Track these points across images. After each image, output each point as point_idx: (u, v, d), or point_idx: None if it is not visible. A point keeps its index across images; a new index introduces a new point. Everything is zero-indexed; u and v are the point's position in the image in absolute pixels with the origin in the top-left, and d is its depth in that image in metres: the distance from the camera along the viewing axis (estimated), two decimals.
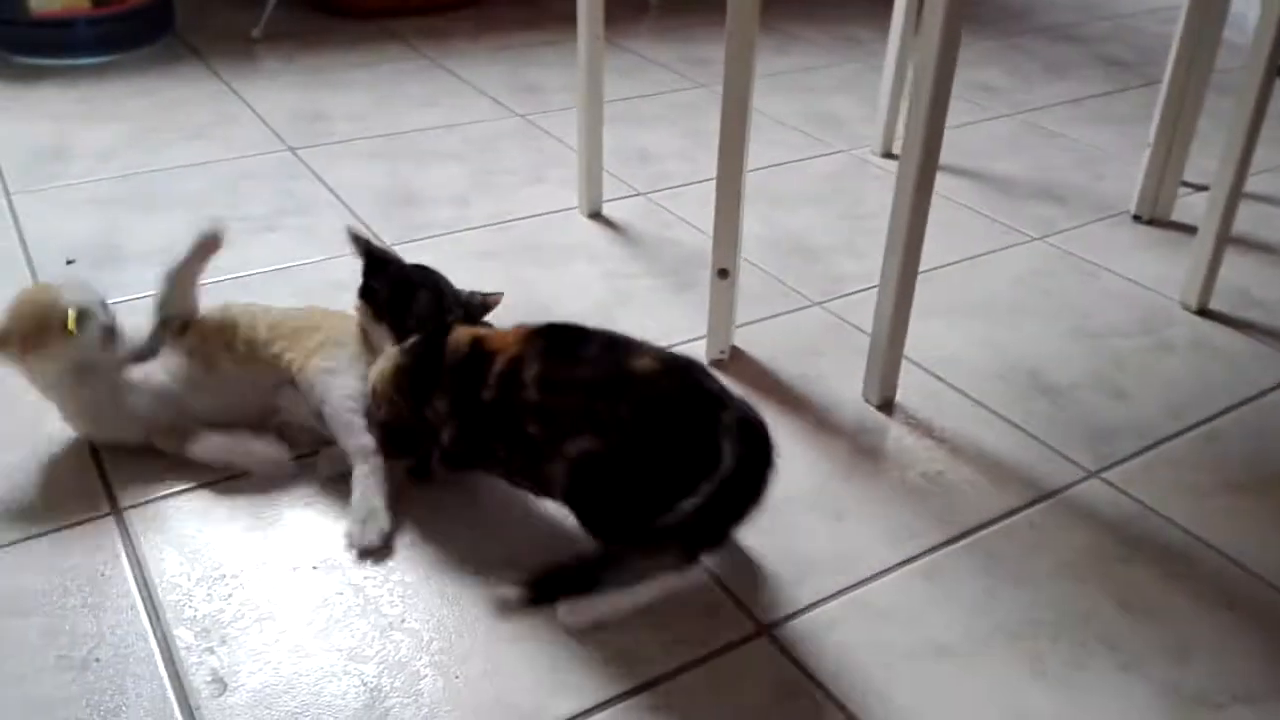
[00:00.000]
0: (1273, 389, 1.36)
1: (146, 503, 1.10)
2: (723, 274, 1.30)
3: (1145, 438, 1.25)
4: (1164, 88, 1.71)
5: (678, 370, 1.01)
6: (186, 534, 1.06)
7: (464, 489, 1.12)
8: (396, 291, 1.21)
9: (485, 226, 1.68)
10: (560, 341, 1.03)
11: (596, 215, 1.72)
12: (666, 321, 1.43)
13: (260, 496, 1.11)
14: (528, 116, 2.12)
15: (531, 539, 1.06)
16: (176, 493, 1.11)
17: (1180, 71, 1.68)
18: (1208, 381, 1.36)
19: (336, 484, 1.11)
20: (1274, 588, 1.05)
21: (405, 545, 1.05)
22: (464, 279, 1.52)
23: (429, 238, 1.63)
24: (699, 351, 1.37)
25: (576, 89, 1.65)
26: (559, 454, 0.97)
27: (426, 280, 1.24)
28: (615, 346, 1.02)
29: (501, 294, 1.28)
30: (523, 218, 1.71)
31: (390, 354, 1.12)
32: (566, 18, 2.68)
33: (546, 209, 1.74)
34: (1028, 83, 2.41)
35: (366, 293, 1.22)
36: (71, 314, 1.10)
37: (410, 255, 1.57)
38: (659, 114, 2.15)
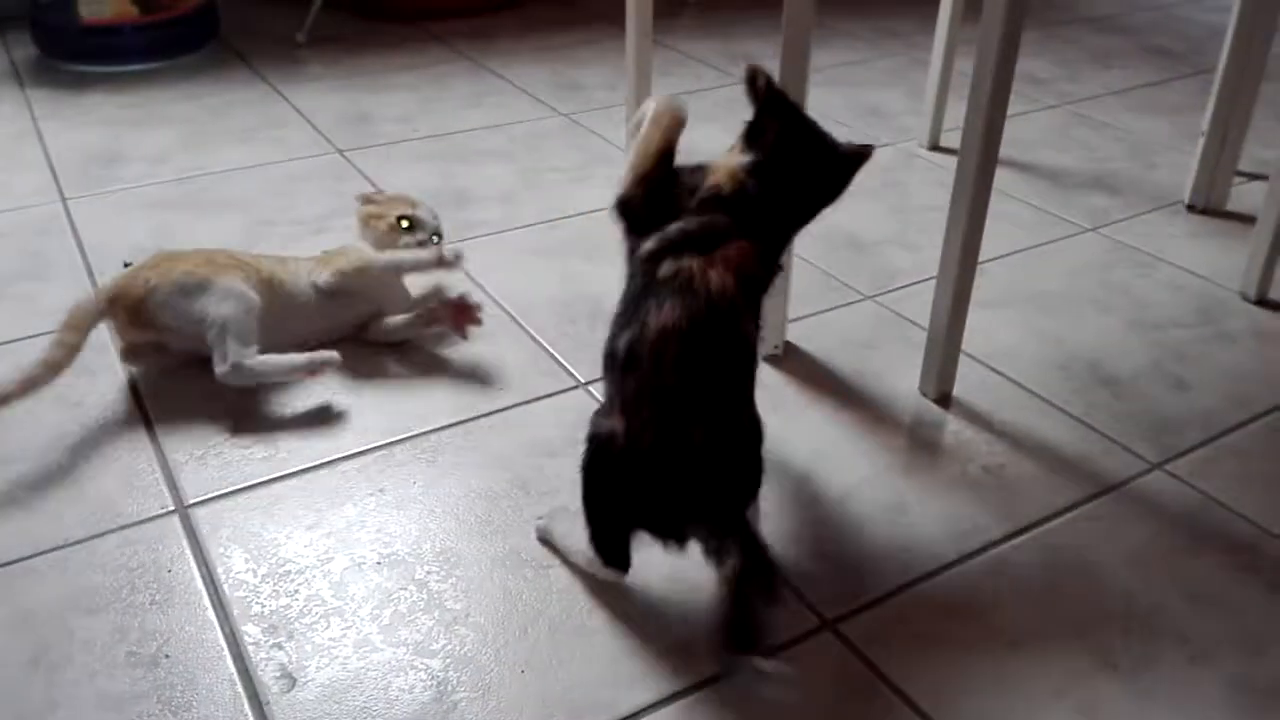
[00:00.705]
0: None
1: (210, 499, 1.11)
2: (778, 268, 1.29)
3: (1209, 429, 1.23)
4: (1219, 74, 1.68)
5: None
6: (251, 530, 1.07)
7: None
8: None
9: (535, 225, 1.69)
10: None
11: None
12: None
13: (323, 492, 1.12)
14: (571, 115, 2.12)
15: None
16: (240, 489, 1.13)
17: (1235, 58, 1.65)
18: (1271, 371, 1.34)
19: (401, 467, 1.12)
20: None
21: (464, 540, 1.06)
22: (517, 277, 1.53)
23: (482, 235, 1.64)
24: None
25: (626, 87, 1.65)
26: None
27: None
28: None
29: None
30: (572, 215, 1.72)
31: None
32: (604, 17, 2.68)
33: (594, 206, 1.74)
34: (1074, 73, 2.38)
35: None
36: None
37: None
38: (704, 111, 2.12)
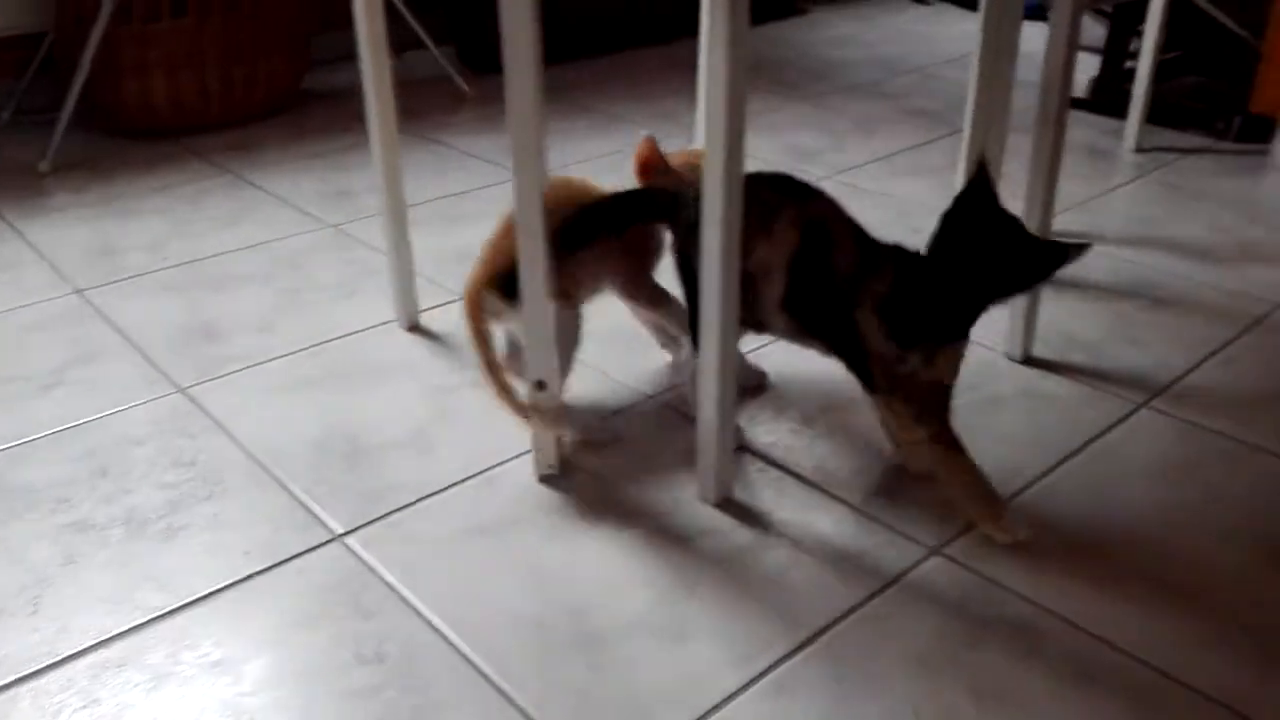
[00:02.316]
0: (1104, 433, 1.36)
1: (360, 528, 1.20)
2: (540, 386, 1.23)
3: None
4: (965, 135, 1.73)
5: None
6: (409, 553, 1.17)
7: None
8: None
9: (292, 354, 1.58)
10: None
11: (415, 327, 1.64)
12: (491, 439, 1.35)
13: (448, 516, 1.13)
14: (340, 226, 2.03)
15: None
16: (381, 516, 1.23)
17: (980, 116, 1.71)
18: (1040, 432, 1.36)
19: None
20: (1125, 653, 1.02)
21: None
22: (268, 418, 1.42)
23: (228, 374, 1.52)
24: (526, 469, 1.29)
25: (378, 193, 1.57)
26: None
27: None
28: None
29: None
30: (334, 339, 1.61)
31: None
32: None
33: (361, 326, 1.65)
34: (841, 142, 2.45)
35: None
36: None
37: (208, 395, 1.46)
38: (478, 210, 2.09)
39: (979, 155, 1.21)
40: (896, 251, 1.19)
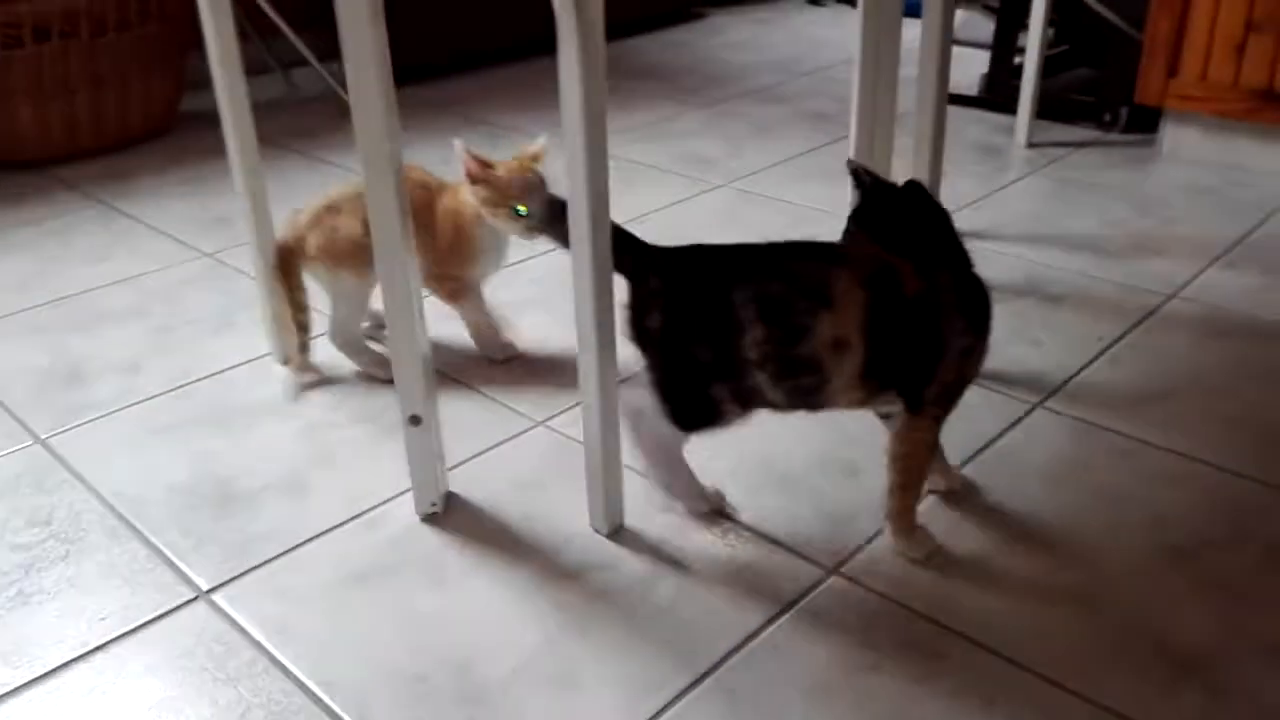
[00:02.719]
0: (1000, 435, 1.34)
1: (227, 583, 1.12)
2: (415, 420, 1.16)
3: (879, 516, 1.19)
4: (852, 137, 1.71)
5: None
6: (280, 608, 1.10)
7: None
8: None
9: (161, 395, 1.49)
10: None
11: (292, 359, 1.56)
12: (371, 478, 1.29)
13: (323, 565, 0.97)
14: (216, 254, 1.93)
15: None
16: (251, 568, 1.15)
17: (865, 118, 1.69)
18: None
19: None
20: (1028, 670, 0.99)
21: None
22: (133, 466, 1.33)
23: (91, 421, 1.42)
24: (407, 509, 1.23)
25: (243, 219, 1.49)
26: None
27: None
28: None
29: None
30: (206, 376, 1.53)
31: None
32: (266, 139, 2.51)
33: (235, 361, 1.56)
34: (739, 149, 2.42)
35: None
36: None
37: (69, 445, 1.37)
38: None
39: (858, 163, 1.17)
40: (934, 253, 1.11)
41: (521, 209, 1.38)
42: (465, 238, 1.46)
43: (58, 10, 2.28)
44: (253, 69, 2.95)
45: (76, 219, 2.12)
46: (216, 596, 1.11)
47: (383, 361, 1.49)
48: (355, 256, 1.43)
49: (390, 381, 1.42)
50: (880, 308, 1.04)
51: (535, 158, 1.42)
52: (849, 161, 1.15)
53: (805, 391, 1.07)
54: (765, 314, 1.03)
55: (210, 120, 1.53)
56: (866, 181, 1.18)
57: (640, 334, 1.09)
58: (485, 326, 1.55)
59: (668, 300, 1.07)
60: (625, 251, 1.09)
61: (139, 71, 2.44)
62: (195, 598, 1.11)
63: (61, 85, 2.34)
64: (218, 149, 1.49)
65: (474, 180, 1.40)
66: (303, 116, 2.68)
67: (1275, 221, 1.93)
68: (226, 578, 1.14)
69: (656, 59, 3.21)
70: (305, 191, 2.23)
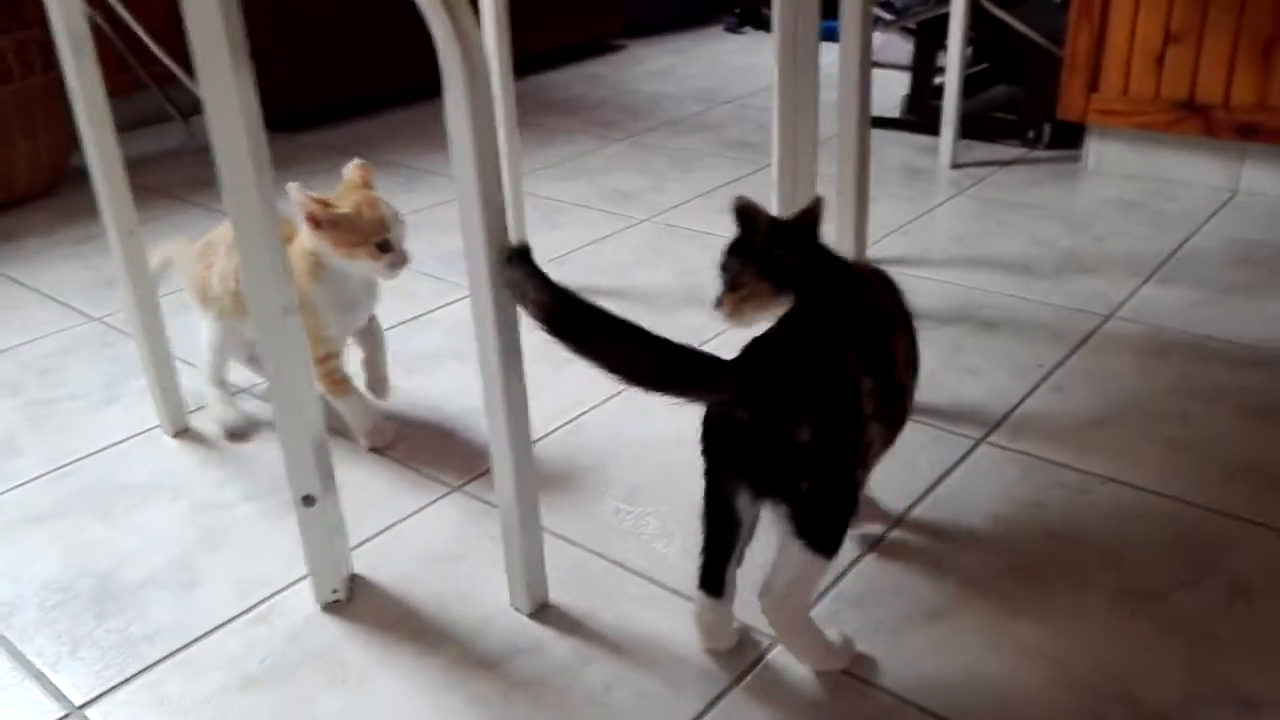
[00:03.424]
0: (945, 476, 1.27)
1: (103, 695, 1.01)
2: (308, 501, 1.05)
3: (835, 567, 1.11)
4: (774, 166, 1.65)
5: None
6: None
7: None
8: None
9: (39, 478, 1.35)
10: None
11: (184, 432, 1.44)
12: (266, 561, 1.17)
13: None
14: (105, 319, 1.80)
15: None
16: (131, 676, 1.05)
17: (787, 145, 1.63)
18: (880, 481, 1.26)
19: None
20: None
21: None
22: (5, 561, 1.20)
23: None
24: (306, 597, 1.11)
25: (119, 285, 1.38)
26: None
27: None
28: None
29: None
30: (88, 455, 1.40)
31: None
32: (163, 191, 2.38)
33: (121, 436, 1.43)
34: (660, 182, 2.35)
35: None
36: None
37: None
38: None
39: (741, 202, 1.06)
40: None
41: (389, 239, 1.25)
42: (304, 299, 1.25)
43: None
44: (152, 118, 2.84)
45: None
46: (91, 711, 0.99)
47: (230, 418, 1.43)
48: (222, 300, 1.35)
49: (235, 438, 1.39)
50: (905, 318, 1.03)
51: (366, 183, 1.30)
52: (737, 198, 1.06)
53: (897, 422, 1.01)
54: (867, 361, 0.94)
55: None
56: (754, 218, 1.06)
57: (786, 461, 0.89)
58: (359, 412, 1.37)
59: (807, 405, 0.89)
60: (717, 377, 0.90)
61: (24, 127, 2.30)
62: (67, 715, 0.98)
63: None
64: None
65: (319, 224, 1.24)
66: (204, 166, 2.54)
67: (1204, 234, 1.91)
68: (104, 688, 1.01)
69: (574, 92, 3.14)
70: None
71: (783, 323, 0.98)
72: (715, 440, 0.93)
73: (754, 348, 0.95)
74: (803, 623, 0.96)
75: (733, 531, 0.95)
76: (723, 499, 0.93)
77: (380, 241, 1.24)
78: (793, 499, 0.89)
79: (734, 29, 3.83)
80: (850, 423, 0.91)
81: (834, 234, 1.37)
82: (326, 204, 1.24)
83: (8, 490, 1.33)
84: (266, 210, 0.93)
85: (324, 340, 1.32)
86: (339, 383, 1.35)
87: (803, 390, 0.89)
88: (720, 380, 0.90)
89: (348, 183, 1.29)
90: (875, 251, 1.81)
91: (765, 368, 0.92)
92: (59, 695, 1.01)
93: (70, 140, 2.44)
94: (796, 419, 0.88)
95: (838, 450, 0.90)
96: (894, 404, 0.98)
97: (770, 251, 1.04)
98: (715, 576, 0.97)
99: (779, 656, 1.01)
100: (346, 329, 1.36)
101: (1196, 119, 2.02)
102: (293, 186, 1.23)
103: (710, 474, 0.94)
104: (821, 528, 0.91)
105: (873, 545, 1.15)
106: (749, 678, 0.99)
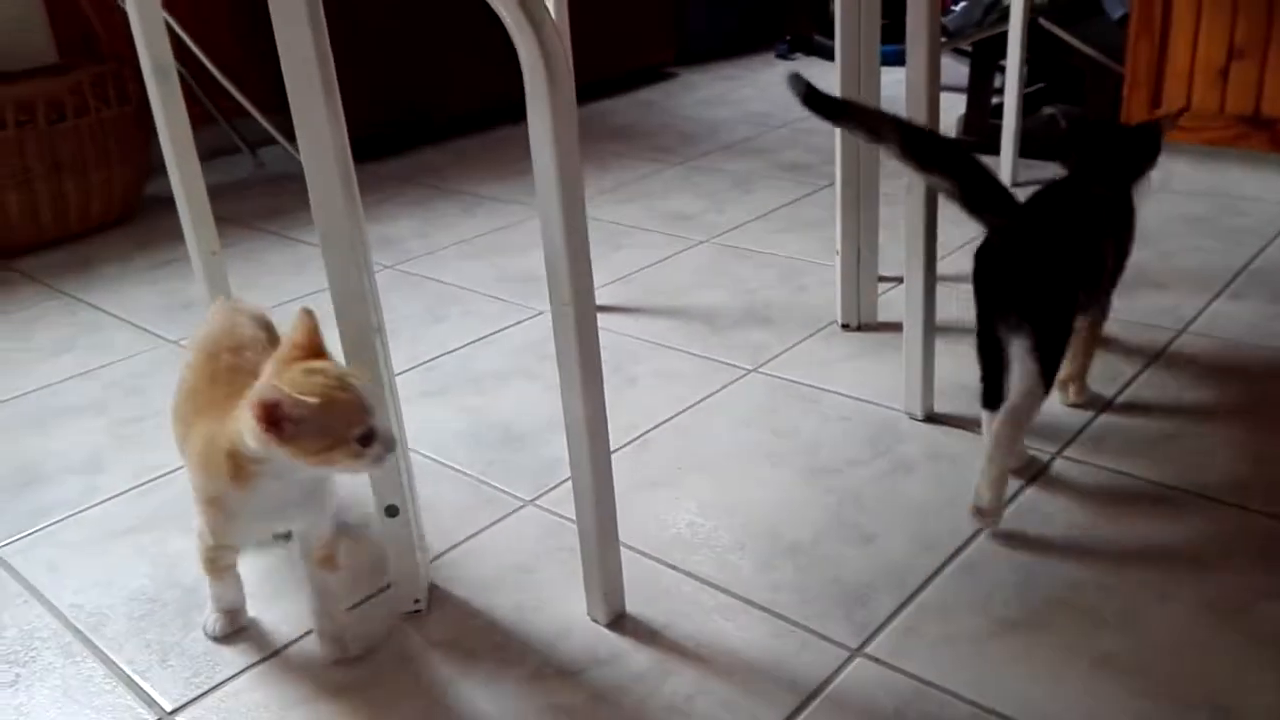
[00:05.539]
0: (1018, 492, 1.26)
1: (191, 702, 1.02)
2: (391, 511, 1.07)
3: (903, 587, 1.11)
4: (838, 187, 1.66)
5: None
6: None
7: None
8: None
9: (125, 493, 1.39)
10: None
11: None
12: (348, 573, 1.19)
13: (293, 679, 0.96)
14: (181, 342, 1.85)
15: None
16: (218, 684, 1.05)
17: (850, 166, 1.64)
18: (952, 498, 1.25)
19: None
20: None
21: None
22: (93, 572, 1.23)
23: (46, 527, 1.33)
24: (388, 609, 1.13)
25: (201, 304, 1.42)
26: None
27: None
28: None
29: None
30: (172, 471, 1.43)
31: None
32: (232, 219, 2.44)
33: None
34: (719, 204, 2.36)
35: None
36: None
37: (21, 556, 1.27)
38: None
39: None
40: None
41: (373, 426, 0.92)
42: (216, 500, 0.99)
43: (12, 98, 2.22)
44: (222, 149, 2.93)
45: (38, 312, 2.03)
46: (181, 717, 1.01)
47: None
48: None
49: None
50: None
51: (314, 345, 0.96)
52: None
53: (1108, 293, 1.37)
54: (1110, 232, 1.29)
55: (174, 204, 1.46)
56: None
57: (1036, 298, 1.15)
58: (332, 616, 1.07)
59: (1060, 255, 1.19)
60: (1008, 210, 1.20)
61: (99, 158, 2.38)
62: None
63: (20, 174, 2.27)
64: (180, 232, 1.42)
65: (283, 431, 0.88)
66: (273, 196, 2.62)
67: (1276, 248, 1.88)
68: (192, 695, 1.04)
69: (629, 119, 3.17)
70: (279, 271, 2.16)
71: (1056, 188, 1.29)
72: (987, 281, 1.19)
73: (1033, 201, 1.26)
74: (1021, 429, 1.19)
75: (1001, 356, 1.17)
76: (991, 331, 1.18)
77: (362, 434, 0.91)
78: (1037, 329, 1.13)
79: (785, 55, 3.85)
80: (1088, 280, 1.23)
81: (903, 250, 1.37)
82: (298, 401, 0.88)
83: (94, 505, 1.37)
84: (355, 234, 0.96)
85: (222, 539, 1.03)
86: (217, 569, 1.08)
87: (1059, 243, 1.18)
88: (1008, 213, 1.19)
89: (290, 347, 0.95)
90: (942, 268, 1.80)
91: (1037, 220, 1.22)
92: (150, 701, 1.03)
93: (145, 170, 2.52)
94: (1052, 264, 1.16)
95: (1070, 299, 1.18)
96: (1115, 275, 1.33)
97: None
98: (994, 394, 1.20)
99: (861, 666, 1.00)
100: (263, 535, 1.13)
101: (1263, 134, 1.99)
102: (305, 313, 0.96)
103: (982, 312, 1.20)
104: (1050, 357, 1.15)
105: (942, 565, 1.15)
106: (830, 687, 0.98)
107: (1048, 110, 1.36)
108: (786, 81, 1.24)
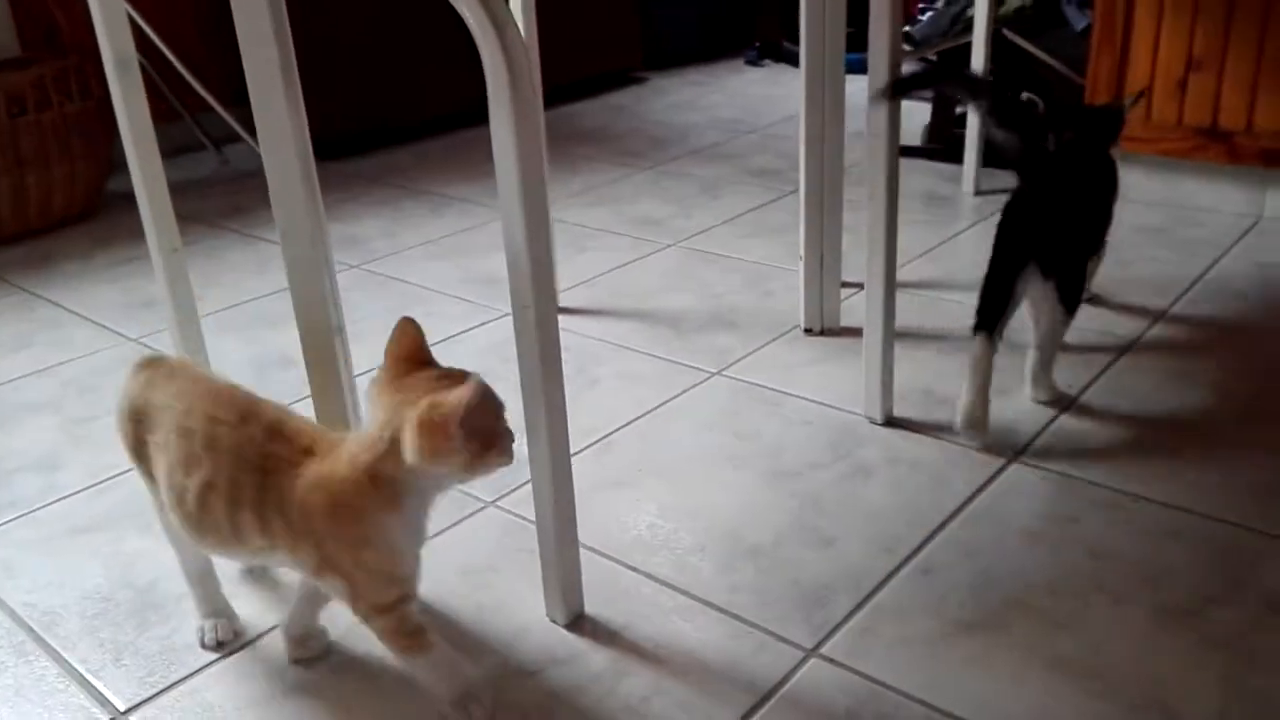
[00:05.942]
0: (976, 494, 1.27)
1: (145, 701, 1.01)
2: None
3: (859, 589, 1.12)
4: (801, 193, 1.67)
5: None
6: None
7: None
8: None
9: (80, 492, 1.38)
10: None
11: None
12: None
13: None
14: (142, 339, 1.83)
15: None
16: (174, 683, 1.05)
17: (814, 172, 1.65)
18: (910, 502, 1.27)
19: None
20: None
21: None
22: (46, 572, 1.22)
23: (3, 524, 1.31)
24: (346, 608, 1.12)
25: (162, 302, 1.41)
26: None
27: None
28: None
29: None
30: (129, 470, 1.41)
31: None
32: (197, 218, 2.42)
33: None
34: (686, 208, 2.37)
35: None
36: None
37: None
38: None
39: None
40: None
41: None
42: (371, 539, 0.90)
43: None
44: (187, 146, 2.90)
45: None
46: (134, 716, 1.00)
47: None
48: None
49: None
50: None
51: (421, 351, 0.92)
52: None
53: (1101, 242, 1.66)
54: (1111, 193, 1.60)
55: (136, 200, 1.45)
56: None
57: (1063, 246, 1.38)
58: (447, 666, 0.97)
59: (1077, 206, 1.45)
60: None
61: (61, 152, 2.35)
62: None
63: None
64: (142, 230, 1.40)
65: (454, 429, 0.84)
66: (237, 194, 2.60)
67: (1229, 260, 1.91)
68: (146, 695, 1.03)
69: (599, 123, 3.18)
70: (240, 270, 2.14)
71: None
72: (1014, 231, 1.36)
73: (1055, 163, 1.48)
74: (1052, 360, 1.46)
75: (1007, 302, 1.35)
76: (1008, 277, 1.34)
77: (506, 429, 0.89)
78: (1062, 276, 1.36)
79: (754, 62, 3.87)
80: (1100, 227, 1.55)
81: (864, 257, 1.39)
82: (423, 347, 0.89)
83: (50, 503, 1.36)
84: (316, 231, 0.96)
85: (400, 580, 0.92)
86: (414, 634, 0.94)
87: (1081, 199, 1.45)
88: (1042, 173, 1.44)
89: (398, 355, 0.91)
90: (903, 275, 1.82)
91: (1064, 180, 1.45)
92: (103, 700, 1.02)
93: (107, 166, 2.49)
94: (1075, 216, 1.41)
95: (1085, 244, 1.48)
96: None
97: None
98: (989, 322, 1.35)
99: (816, 667, 1.01)
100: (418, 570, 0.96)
101: (1219, 145, 2.03)
102: (407, 323, 0.91)
103: (1002, 257, 1.36)
104: (1072, 296, 1.40)
105: (898, 566, 1.16)
106: (785, 688, 0.99)
107: (1025, 96, 1.52)
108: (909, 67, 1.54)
